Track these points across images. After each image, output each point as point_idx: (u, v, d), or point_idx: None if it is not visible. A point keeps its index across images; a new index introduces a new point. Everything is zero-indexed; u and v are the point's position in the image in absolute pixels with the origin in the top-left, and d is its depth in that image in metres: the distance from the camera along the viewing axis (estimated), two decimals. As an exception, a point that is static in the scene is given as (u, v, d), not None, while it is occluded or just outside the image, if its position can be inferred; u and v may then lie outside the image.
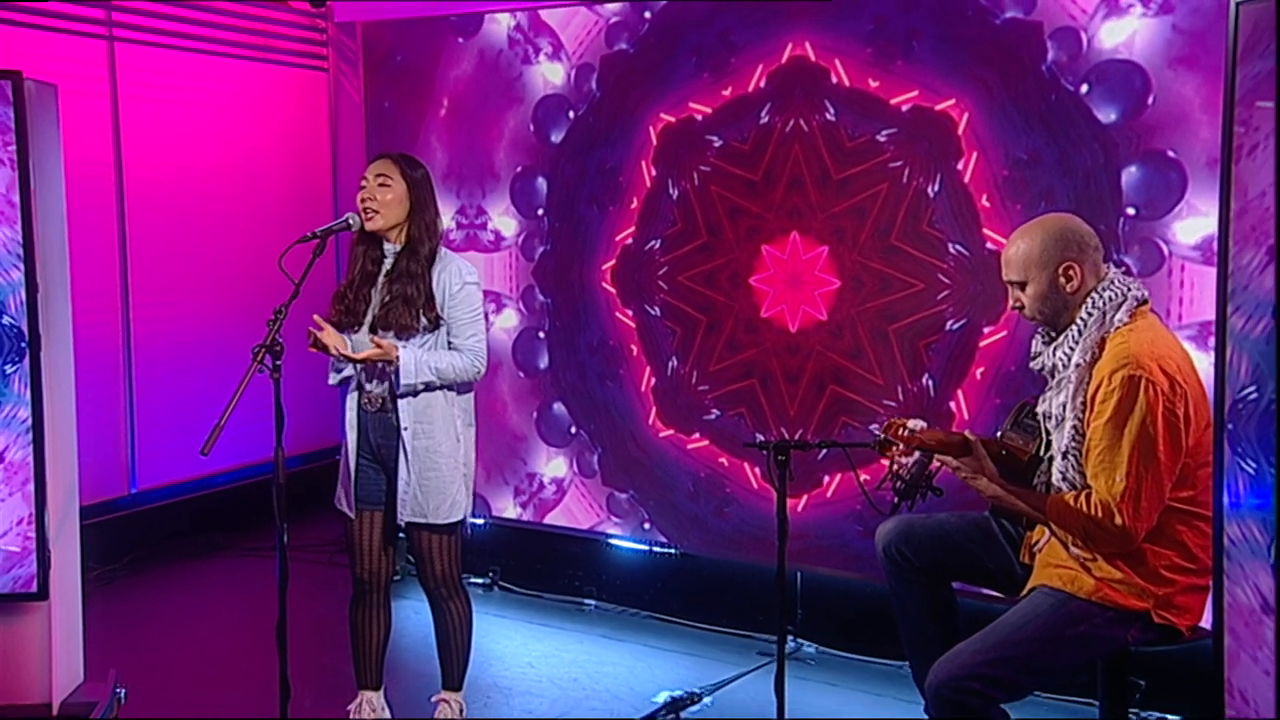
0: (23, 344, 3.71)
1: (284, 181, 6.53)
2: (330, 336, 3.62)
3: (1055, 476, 3.09)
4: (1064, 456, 3.06)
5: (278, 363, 3.29)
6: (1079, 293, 3.06)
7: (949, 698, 2.91)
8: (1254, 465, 2.53)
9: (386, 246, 3.73)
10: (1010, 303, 3.20)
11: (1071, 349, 3.05)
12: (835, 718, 4.12)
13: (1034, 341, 3.26)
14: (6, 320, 3.70)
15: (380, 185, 3.69)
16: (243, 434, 4.79)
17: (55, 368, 3.81)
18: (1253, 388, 2.54)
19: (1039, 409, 3.20)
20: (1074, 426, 3.03)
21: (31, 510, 3.74)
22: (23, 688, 3.80)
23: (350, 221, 3.66)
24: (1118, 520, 2.88)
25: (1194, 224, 3.80)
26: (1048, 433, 3.16)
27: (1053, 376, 3.14)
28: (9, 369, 3.72)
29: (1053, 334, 3.15)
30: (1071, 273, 3.06)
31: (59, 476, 3.82)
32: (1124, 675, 3.21)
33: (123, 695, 4.00)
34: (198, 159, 6.12)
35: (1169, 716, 4.02)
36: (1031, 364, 3.25)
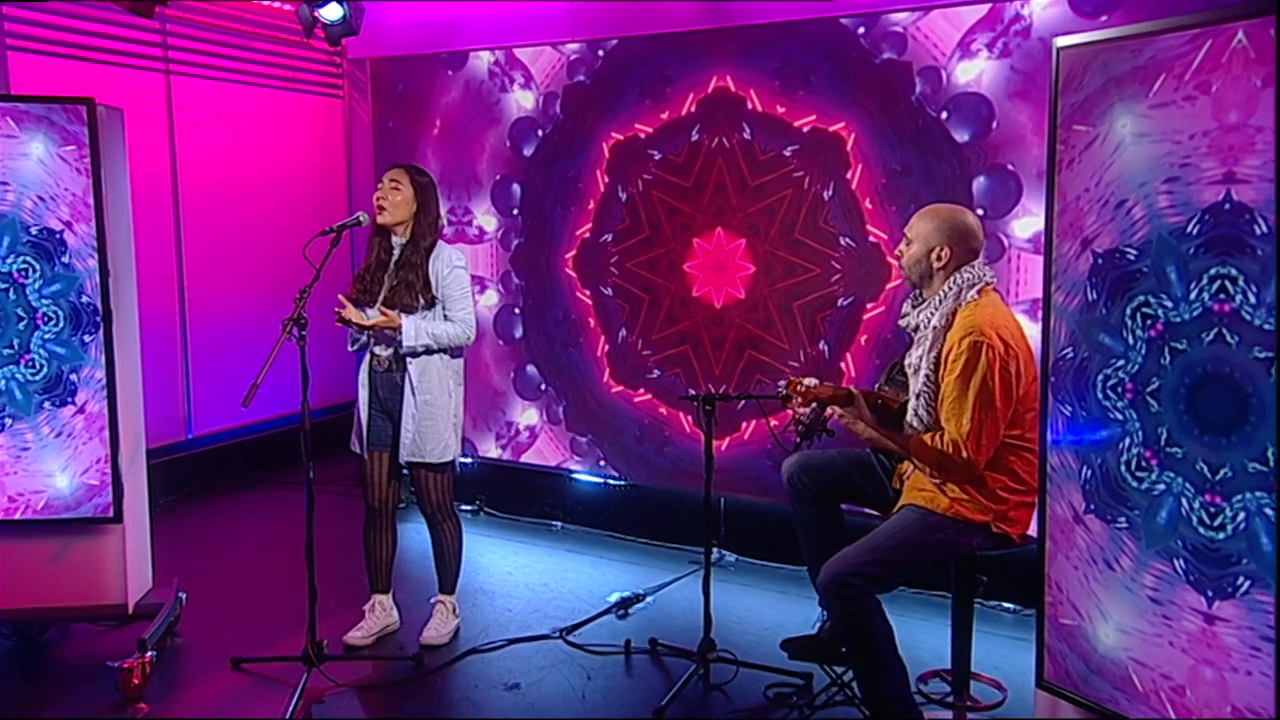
0: (97, 318, 3.68)
1: (307, 187, 6.45)
2: (350, 313, 3.61)
3: (909, 414, 3.11)
4: (917, 398, 3.07)
5: (303, 333, 3.29)
6: (945, 269, 3.07)
7: (835, 590, 2.95)
8: (1069, 409, 2.61)
9: (395, 240, 3.71)
10: (898, 248, 3.20)
11: (933, 314, 3.06)
12: (749, 612, 4.19)
13: (905, 304, 3.25)
14: (84, 299, 3.67)
15: (392, 188, 3.66)
16: (276, 390, 4.81)
17: (124, 337, 3.79)
18: (1069, 349, 2.61)
19: (906, 360, 3.21)
20: (926, 375, 3.05)
21: (107, 451, 3.73)
22: (104, 592, 3.81)
23: (360, 219, 3.62)
24: (964, 454, 2.92)
25: (1027, 222, 3.85)
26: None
27: (916, 333, 3.15)
28: (87, 338, 3.69)
29: (920, 298, 3.17)
30: (944, 254, 3.06)
31: (129, 424, 3.80)
32: (971, 573, 3.27)
33: (184, 598, 4.02)
34: (238, 169, 6.05)
35: (1004, 604, 4.11)
36: (900, 321, 3.24)
